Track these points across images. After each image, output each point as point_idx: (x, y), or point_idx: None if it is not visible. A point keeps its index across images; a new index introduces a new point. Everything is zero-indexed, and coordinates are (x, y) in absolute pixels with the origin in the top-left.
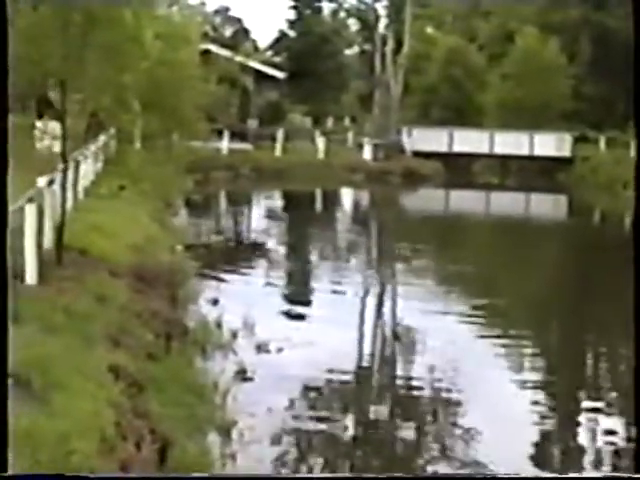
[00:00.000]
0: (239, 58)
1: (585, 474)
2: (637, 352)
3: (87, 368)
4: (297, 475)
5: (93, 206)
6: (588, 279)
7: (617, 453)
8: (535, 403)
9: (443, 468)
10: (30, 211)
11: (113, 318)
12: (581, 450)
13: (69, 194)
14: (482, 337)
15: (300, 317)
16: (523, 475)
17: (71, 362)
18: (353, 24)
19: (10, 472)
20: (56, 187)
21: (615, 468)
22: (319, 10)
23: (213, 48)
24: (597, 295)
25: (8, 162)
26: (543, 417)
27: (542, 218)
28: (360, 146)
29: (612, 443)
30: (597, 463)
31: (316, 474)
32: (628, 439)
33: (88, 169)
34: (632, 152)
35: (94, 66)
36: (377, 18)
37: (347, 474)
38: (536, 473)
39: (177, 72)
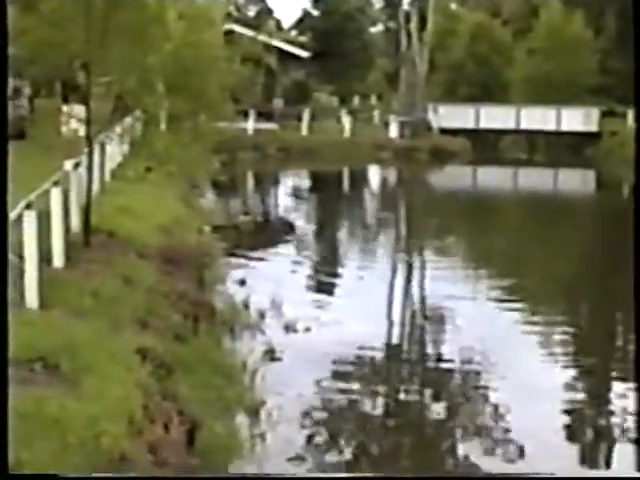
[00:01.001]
0: (262, 37)
1: (584, 474)
2: (637, 351)
3: (115, 351)
4: (297, 475)
5: (120, 188)
6: (618, 252)
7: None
8: (566, 380)
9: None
10: (56, 194)
11: (141, 300)
12: (611, 431)
13: (95, 177)
14: (510, 311)
15: (328, 296)
16: (523, 475)
17: (99, 345)
18: (377, 2)
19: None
20: (82, 170)
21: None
22: None
23: (236, 28)
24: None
25: (7, 162)
26: (573, 393)
27: (571, 193)
28: (386, 124)
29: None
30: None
31: (316, 474)
32: None
33: (114, 152)
34: None
35: (118, 48)
36: None
37: (347, 474)
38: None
39: (202, 53)
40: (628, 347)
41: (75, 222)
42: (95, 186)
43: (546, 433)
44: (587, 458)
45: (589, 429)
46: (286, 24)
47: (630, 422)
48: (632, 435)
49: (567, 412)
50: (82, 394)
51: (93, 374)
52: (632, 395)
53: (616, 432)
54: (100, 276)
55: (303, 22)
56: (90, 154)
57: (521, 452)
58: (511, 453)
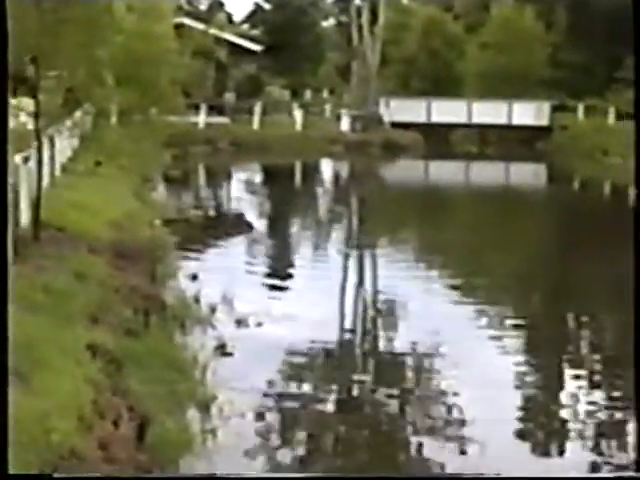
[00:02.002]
0: (214, 31)
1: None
2: (637, 350)
3: (66, 346)
4: (297, 475)
5: (70, 183)
6: (568, 245)
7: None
8: (517, 370)
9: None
10: None
11: (92, 295)
12: (563, 420)
13: (45, 171)
14: (462, 304)
15: (280, 290)
16: (522, 475)
17: (50, 341)
18: None
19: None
20: (32, 164)
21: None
22: None
23: (187, 21)
24: (577, 260)
25: (8, 154)
26: (526, 383)
27: (522, 187)
28: (338, 118)
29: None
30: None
31: (316, 474)
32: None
33: (64, 145)
34: (610, 119)
35: (67, 41)
36: None
37: (347, 474)
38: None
39: (152, 45)
40: (580, 339)
41: (25, 217)
42: (45, 180)
43: (498, 423)
44: (539, 447)
45: (541, 419)
46: (238, 17)
47: (582, 412)
48: (584, 425)
49: (520, 402)
50: (33, 390)
51: (44, 369)
52: (584, 386)
53: (569, 422)
54: (51, 271)
55: (255, 15)
56: (39, 148)
57: (473, 442)
58: (464, 443)
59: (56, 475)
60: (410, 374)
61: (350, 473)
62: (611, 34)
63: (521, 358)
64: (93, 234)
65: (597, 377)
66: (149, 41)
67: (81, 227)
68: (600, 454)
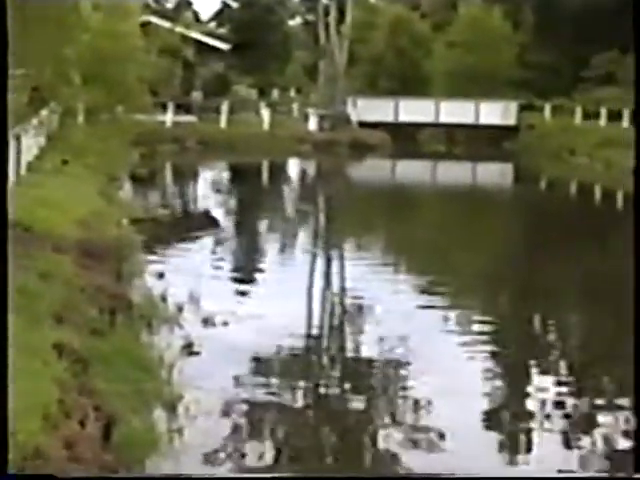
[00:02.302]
0: (180, 29)
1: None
2: (637, 350)
3: (32, 346)
4: (297, 475)
5: (36, 181)
6: (534, 244)
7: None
8: (485, 372)
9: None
10: None
11: (57, 295)
12: (530, 416)
13: (11, 169)
14: (429, 307)
15: (247, 290)
16: (521, 475)
17: (15, 340)
18: None
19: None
20: None
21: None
22: None
23: (154, 20)
24: (544, 260)
25: (8, 157)
26: (493, 386)
27: (489, 186)
28: (306, 117)
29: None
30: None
31: (315, 474)
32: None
33: (30, 144)
34: (577, 119)
35: (34, 39)
36: None
37: (347, 474)
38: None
39: (118, 44)
40: (547, 339)
41: None
42: (11, 179)
43: (466, 422)
44: (506, 445)
45: (508, 417)
46: (205, 16)
47: (549, 409)
48: (552, 423)
49: (487, 401)
50: None
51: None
52: (550, 382)
53: (536, 419)
54: (16, 270)
55: (222, 14)
56: (5, 146)
57: (441, 439)
58: (431, 442)
59: (56, 475)
60: (377, 375)
61: (316, 471)
62: (578, 34)
63: (486, 358)
64: (59, 233)
65: (564, 378)
66: (115, 39)
67: (47, 226)
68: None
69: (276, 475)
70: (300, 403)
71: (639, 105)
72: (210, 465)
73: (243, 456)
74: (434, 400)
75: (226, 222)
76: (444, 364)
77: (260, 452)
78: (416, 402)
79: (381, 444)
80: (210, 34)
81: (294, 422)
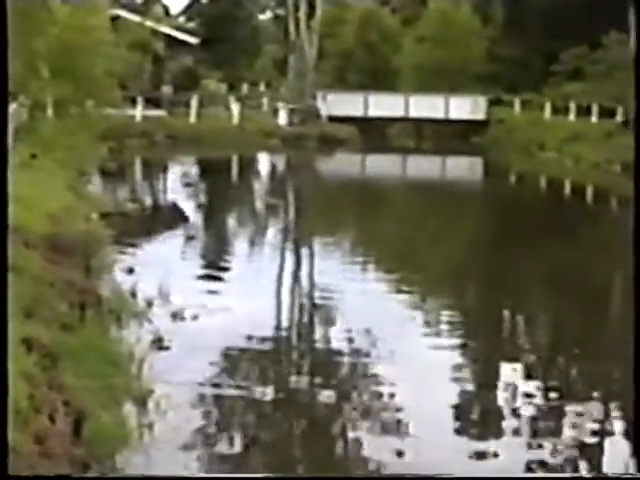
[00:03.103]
0: (150, 23)
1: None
2: (637, 350)
3: None
4: (297, 475)
5: None
6: (503, 238)
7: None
8: (454, 366)
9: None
10: None
11: (26, 289)
12: (499, 412)
13: None
14: (399, 299)
15: (217, 284)
16: (520, 475)
17: None
18: None
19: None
20: None
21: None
22: None
23: (123, 14)
24: (512, 254)
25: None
26: (462, 379)
27: (458, 180)
28: (275, 111)
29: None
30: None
31: (315, 474)
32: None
33: None
34: (547, 114)
35: None
36: None
37: (346, 474)
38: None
39: (87, 37)
40: (515, 331)
41: None
42: None
43: (435, 416)
44: (476, 437)
45: (478, 409)
46: (174, 10)
47: (518, 401)
48: (520, 413)
49: (456, 394)
50: None
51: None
52: (520, 375)
53: (505, 411)
54: None
55: (191, 8)
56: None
57: (408, 434)
58: (400, 437)
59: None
60: (345, 368)
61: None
62: (547, 29)
63: (454, 351)
64: (28, 227)
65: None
66: (84, 33)
67: (16, 220)
68: None
69: (270, 475)
70: (270, 396)
71: (639, 106)
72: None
73: (213, 449)
74: (402, 390)
75: (195, 216)
76: (412, 353)
77: (230, 444)
78: (385, 393)
79: (351, 437)
80: (180, 28)
81: (264, 415)
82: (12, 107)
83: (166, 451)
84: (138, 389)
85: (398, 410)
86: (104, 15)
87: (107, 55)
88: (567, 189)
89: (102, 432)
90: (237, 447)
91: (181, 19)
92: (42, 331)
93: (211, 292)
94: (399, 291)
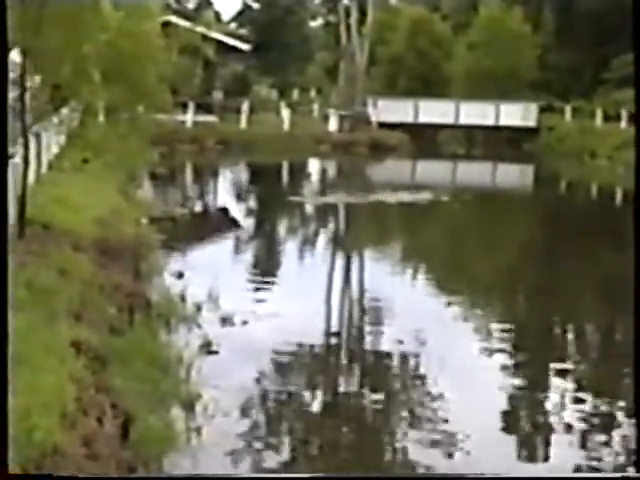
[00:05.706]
0: (201, 29)
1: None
2: (637, 350)
3: (49, 343)
4: (297, 475)
5: (56, 179)
6: (554, 246)
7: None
8: (504, 373)
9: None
10: None
11: (76, 292)
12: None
13: (31, 167)
14: (450, 306)
15: (266, 289)
16: (520, 475)
17: (33, 338)
18: None
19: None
20: (18, 160)
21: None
22: None
23: (174, 19)
24: (563, 263)
25: (7, 155)
26: (512, 385)
27: (509, 188)
28: (326, 117)
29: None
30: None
31: (314, 474)
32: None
33: (51, 142)
34: (598, 121)
35: (53, 37)
36: None
37: (346, 474)
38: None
39: (139, 43)
40: (565, 342)
41: (10, 213)
42: (31, 177)
43: (484, 426)
44: (525, 451)
45: (527, 422)
46: (226, 16)
47: (568, 415)
48: (570, 428)
49: (505, 405)
50: (15, 387)
51: (27, 367)
52: (570, 387)
53: (554, 425)
54: (34, 267)
55: (243, 14)
56: (26, 145)
57: (458, 445)
58: (450, 446)
59: (56, 475)
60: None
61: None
62: (598, 36)
63: (503, 357)
64: (78, 231)
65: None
66: (136, 38)
67: (66, 224)
68: None
69: (290, 475)
70: (319, 401)
71: (639, 105)
72: (229, 464)
73: (260, 456)
74: (451, 397)
75: (245, 222)
76: (462, 361)
77: (278, 451)
78: (434, 399)
79: (398, 444)
80: (231, 34)
81: (313, 420)
82: (64, 112)
83: (213, 455)
84: (186, 393)
85: (445, 421)
86: (156, 21)
87: (159, 61)
88: (619, 197)
89: (149, 435)
90: (285, 453)
91: (232, 25)
92: (91, 334)
93: (260, 297)
94: (449, 297)
